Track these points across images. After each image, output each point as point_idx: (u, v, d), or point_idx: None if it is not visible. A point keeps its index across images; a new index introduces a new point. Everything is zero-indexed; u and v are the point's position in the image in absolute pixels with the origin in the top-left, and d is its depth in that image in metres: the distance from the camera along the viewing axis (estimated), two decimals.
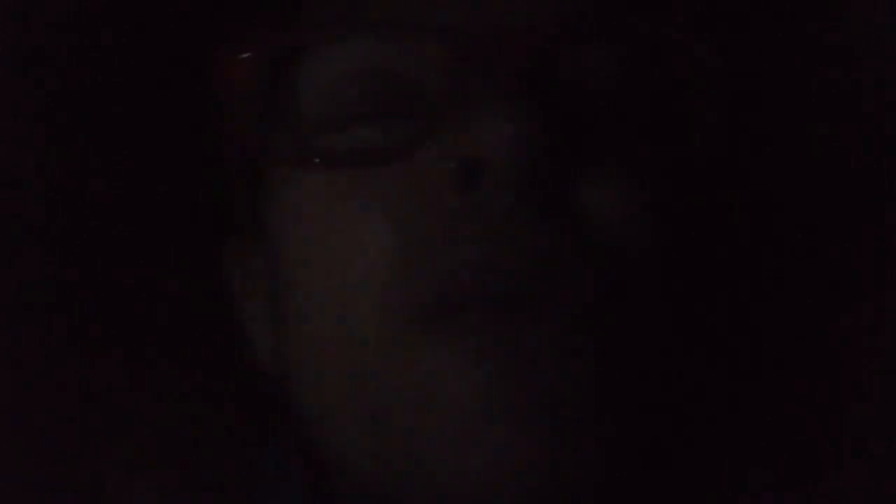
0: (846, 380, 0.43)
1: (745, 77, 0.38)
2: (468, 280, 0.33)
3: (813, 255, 0.44)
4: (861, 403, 0.43)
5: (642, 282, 0.34)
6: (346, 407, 0.35)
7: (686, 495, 0.39)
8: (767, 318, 0.44)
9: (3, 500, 0.42)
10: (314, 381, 0.36)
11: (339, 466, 0.38)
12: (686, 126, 0.36)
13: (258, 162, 0.39)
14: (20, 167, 0.43)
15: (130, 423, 0.44)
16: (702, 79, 0.36)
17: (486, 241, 0.33)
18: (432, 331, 0.33)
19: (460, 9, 0.35)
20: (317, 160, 0.35)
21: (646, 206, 0.35)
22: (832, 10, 0.43)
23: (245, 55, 0.35)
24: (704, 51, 0.36)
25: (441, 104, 0.34)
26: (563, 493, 0.33)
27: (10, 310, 0.43)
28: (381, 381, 0.33)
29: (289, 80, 0.36)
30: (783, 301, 0.44)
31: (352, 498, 0.39)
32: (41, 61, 0.42)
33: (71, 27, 0.42)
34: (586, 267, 0.33)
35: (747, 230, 0.43)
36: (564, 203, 0.33)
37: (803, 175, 0.44)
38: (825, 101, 0.43)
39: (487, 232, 0.33)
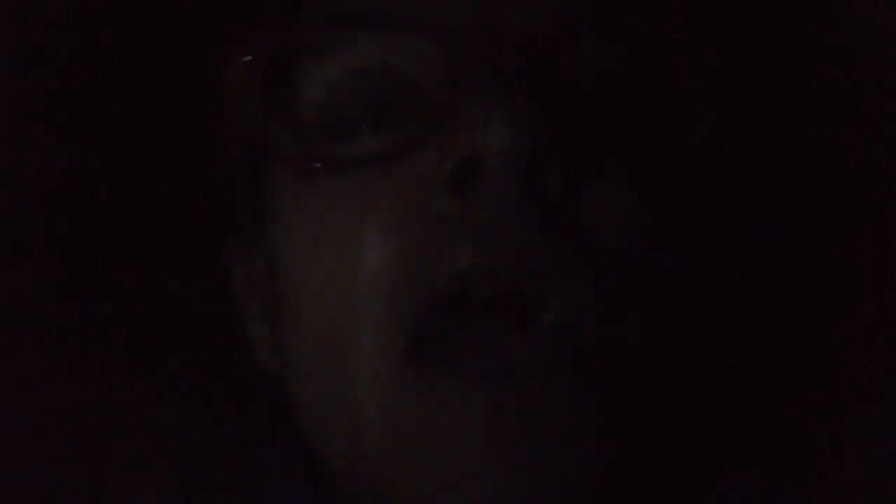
0: (846, 380, 0.43)
1: (746, 77, 0.38)
2: (465, 287, 0.32)
3: (813, 254, 0.44)
4: (861, 403, 0.43)
5: (642, 283, 0.34)
6: (336, 422, 0.35)
7: (685, 497, 0.39)
8: (768, 319, 0.44)
9: (3, 500, 0.42)
10: (306, 388, 0.36)
11: (337, 468, 0.38)
12: (686, 126, 0.36)
13: (258, 163, 0.39)
14: (21, 168, 0.43)
15: (130, 423, 0.44)
16: (702, 79, 0.36)
17: (484, 245, 0.33)
18: (424, 363, 0.33)
19: (459, 9, 0.35)
20: (317, 164, 0.35)
21: (645, 207, 0.34)
22: (832, 10, 0.43)
23: (244, 56, 0.35)
24: (704, 51, 0.36)
25: (440, 105, 0.34)
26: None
27: (11, 310, 0.43)
28: (373, 407, 0.33)
29: (288, 81, 0.36)
30: (783, 301, 0.44)
31: (352, 498, 0.39)
32: (42, 62, 0.42)
33: (72, 27, 0.42)
34: (585, 269, 0.33)
35: (746, 231, 0.43)
36: (563, 204, 0.33)
37: (803, 175, 0.44)
38: (825, 101, 0.43)
39: (485, 235, 0.33)
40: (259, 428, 0.45)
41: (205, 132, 0.40)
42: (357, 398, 0.34)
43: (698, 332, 0.37)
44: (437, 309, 0.33)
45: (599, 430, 0.33)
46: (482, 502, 0.32)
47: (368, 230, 0.34)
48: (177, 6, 0.42)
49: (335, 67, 0.36)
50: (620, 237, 0.34)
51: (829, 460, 0.42)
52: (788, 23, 0.43)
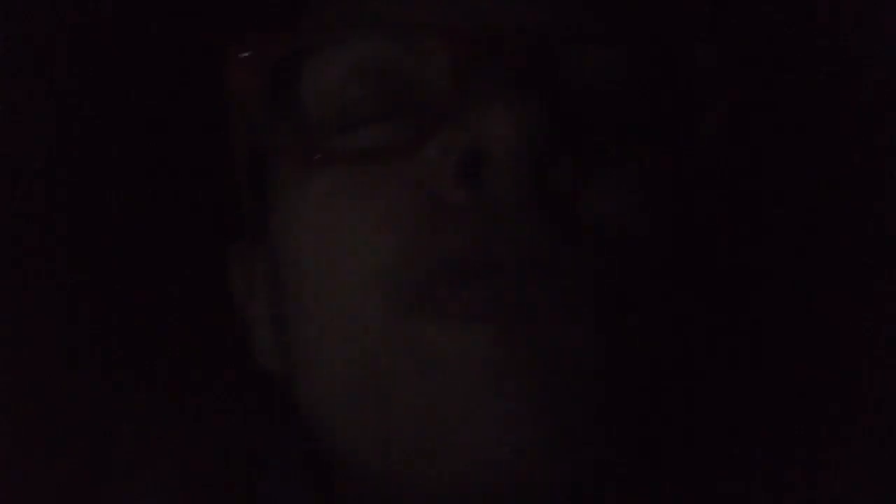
0: (846, 380, 0.43)
1: (746, 76, 0.38)
2: (468, 255, 0.33)
3: (813, 254, 0.44)
4: (861, 403, 0.43)
5: (643, 276, 0.34)
6: (349, 401, 0.35)
7: (686, 494, 0.39)
8: (767, 317, 0.44)
9: (3, 500, 0.42)
10: (317, 380, 0.36)
11: (343, 464, 0.38)
12: (687, 123, 0.36)
13: (262, 163, 0.39)
14: (27, 170, 0.43)
15: (131, 422, 0.44)
16: (702, 78, 0.36)
17: (489, 235, 0.33)
18: (432, 308, 0.33)
19: (462, 7, 0.35)
20: (318, 156, 0.35)
21: (647, 201, 0.35)
22: (832, 11, 0.43)
23: (249, 57, 0.35)
24: (705, 50, 0.36)
25: (443, 102, 0.34)
26: (566, 470, 0.33)
27: (12, 310, 0.43)
28: (383, 366, 0.33)
29: (293, 82, 0.36)
30: (783, 299, 0.44)
31: (353, 498, 0.39)
32: (47, 64, 0.42)
33: (77, 28, 0.42)
34: (588, 264, 0.33)
35: (748, 229, 0.43)
36: (567, 200, 0.33)
37: (804, 175, 0.44)
38: (825, 102, 0.44)
39: (490, 225, 0.33)
40: (259, 428, 0.45)
41: (208, 133, 0.40)
42: (367, 383, 0.34)
43: (701, 326, 0.37)
44: (443, 277, 0.33)
45: (606, 410, 0.33)
46: (491, 466, 0.32)
47: (372, 221, 0.34)
48: (181, 7, 0.42)
49: (338, 68, 0.36)
50: (623, 230, 0.34)
51: (828, 460, 0.42)
52: (789, 23, 0.43)
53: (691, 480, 0.39)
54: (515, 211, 0.33)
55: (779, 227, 0.44)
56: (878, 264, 0.43)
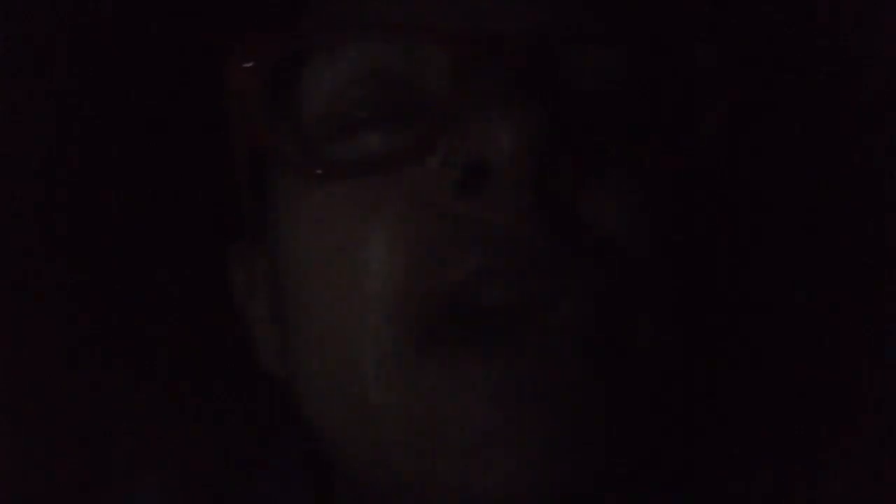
0: (847, 380, 0.43)
1: (746, 76, 0.38)
2: (475, 290, 0.32)
3: (813, 254, 0.44)
4: (861, 404, 0.43)
5: (649, 285, 0.34)
6: (346, 420, 0.35)
7: (688, 496, 0.39)
8: (769, 320, 0.44)
9: (3, 500, 0.42)
10: (315, 384, 0.36)
11: (342, 465, 0.38)
12: (687, 124, 0.36)
13: (262, 166, 0.39)
14: (27, 170, 0.43)
15: (132, 422, 0.44)
16: (702, 78, 0.36)
17: (492, 249, 0.32)
18: (434, 352, 0.33)
19: (462, 12, 0.35)
20: (319, 171, 0.35)
21: (651, 208, 0.34)
22: (832, 11, 0.43)
23: (249, 61, 0.35)
24: (706, 53, 0.36)
25: (443, 108, 0.34)
26: (567, 485, 0.32)
27: (13, 310, 0.43)
28: (383, 403, 0.33)
29: (293, 83, 0.36)
30: (785, 302, 0.44)
31: (353, 499, 0.39)
32: (47, 64, 0.42)
33: (77, 28, 0.42)
34: (592, 271, 0.33)
35: (748, 230, 0.43)
36: (569, 207, 0.33)
37: (804, 175, 0.44)
38: (825, 102, 0.43)
39: (492, 238, 0.33)
40: (259, 428, 0.45)
41: (209, 136, 0.40)
42: (367, 391, 0.34)
43: (703, 334, 0.37)
44: (448, 308, 0.33)
45: (609, 416, 0.33)
46: (493, 483, 0.32)
47: (374, 232, 0.34)
48: (181, 7, 0.42)
49: (337, 72, 0.36)
50: (626, 238, 0.34)
51: (829, 461, 0.42)
52: (790, 24, 0.43)
53: (693, 485, 0.39)
54: (517, 221, 0.32)
55: (779, 228, 0.44)
56: (878, 264, 0.43)
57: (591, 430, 0.33)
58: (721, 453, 0.42)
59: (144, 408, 0.45)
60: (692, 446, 0.39)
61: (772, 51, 0.43)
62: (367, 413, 0.34)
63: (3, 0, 0.42)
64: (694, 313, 0.36)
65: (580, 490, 0.33)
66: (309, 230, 0.36)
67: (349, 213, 0.34)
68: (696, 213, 0.37)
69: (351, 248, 0.34)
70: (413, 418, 0.33)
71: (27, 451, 0.43)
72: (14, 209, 0.43)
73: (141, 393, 0.44)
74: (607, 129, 0.35)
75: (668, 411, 0.35)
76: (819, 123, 0.44)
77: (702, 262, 0.37)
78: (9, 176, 0.43)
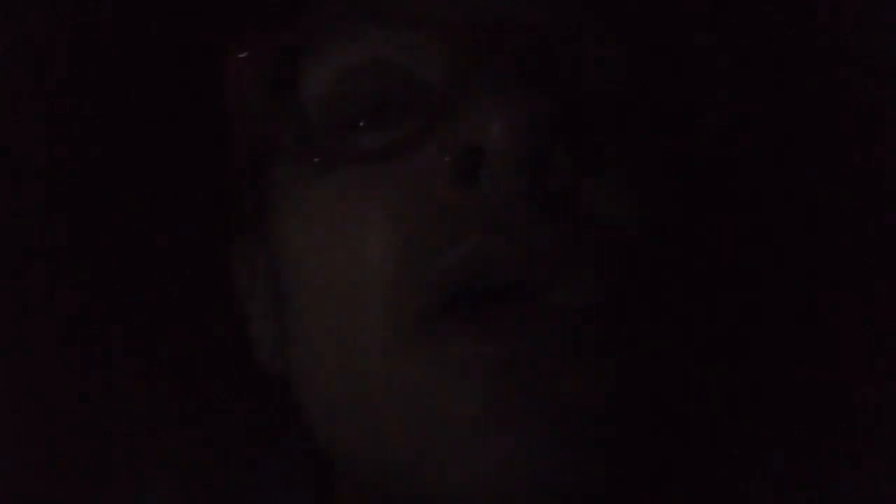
0: (847, 380, 0.43)
1: (746, 76, 0.38)
2: (469, 277, 0.32)
3: (813, 254, 0.44)
4: (861, 404, 0.43)
5: (645, 274, 0.34)
6: (347, 411, 0.35)
7: (689, 497, 0.39)
8: (770, 317, 0.44)
9: (4, 500, 0.42)
10: (315, 382, 0.36)
11: (342, 465, 0.38)
12: (686, 121, 0.36)
13: (263, 160, 0.39)
14: (27, 170, 0.43)
15: (134, 423, 0.44)
16: (702, 76, 0.36)
17: (488, 235, 0.33)
18: (432, 340, 0.33)
19: (461, 3, 0.35)
20: (318, 160, 0.35)
21: (648, 198, 0.34)
22: (832, 11, 0.43)
23: (248, 54, 0.35)
24: (707, 46, 0.36)
25: (441, 100, 0.34)
26: (567, 497, 0.32)
27: (14, 309, 0.43)
28: (382, 391, 0.33)
29: (293, 81, 0.36)
30: (785, 300, 0.44)
31: (353, 499, 0.39)
32: (47, 64, 0.42)
33: (78, 26, 0.42)
34: (588, 259, 0.33)
35: (747, 228, 0.43)
36: (567, 194, 0.33)
37: (804, 174, 0.44)
38: (826, 100, 0.43)
39: (488, 225, 0.33)
40: (260, 428, 0.45)
41: (209, 130, 0.40)
42: (367, 384, 0.34)
43: (701, 328, 0.37)
44: (439, 294, 0.33)
45: (606, 401, 0.33)
46: (489, 467, 0.32)
47: (372, 221, 0.34)
48: (181, 7, 0.42)
49: (337, 64, 0.36)
50: (623, 227, 0.34)
51: (830, 461, 0.42)
52: (790, 22, 0.43)
53: (695, 487, 0.39)
54: (513, 209, 0.32)
55: (778, 227, 0.44)
56: (878, 264, 0.43)
57: (586, 414, 0.32)
58: (721, 453, 0.42)
59: (144, 408, 0.44)
60: (692, 442, 0.39)
61: (772, 50, 0.43)
62: (367, 407, 0.34)
63: (3, 0, 0.42)
64: (694, 306, 0.36)
65: (577, 475, 0.32)
66: (307, 222, 0.36)
67: (346, 204, 0.35)
68: (696, 202, 0.37)
69: (349, 238, 0.34)
70: (409, 406, 0.33)
71: (27, 451, 0.43)
72: (14, 209, 0.43)
73: (141, 393, 0.44)
74: (605, 124, 0.35)
75: (666, 402, 0.35)
76: (819, 123, 0.44)
77: (701, 258, 0.37)
78: (9, 175, 0.43)
